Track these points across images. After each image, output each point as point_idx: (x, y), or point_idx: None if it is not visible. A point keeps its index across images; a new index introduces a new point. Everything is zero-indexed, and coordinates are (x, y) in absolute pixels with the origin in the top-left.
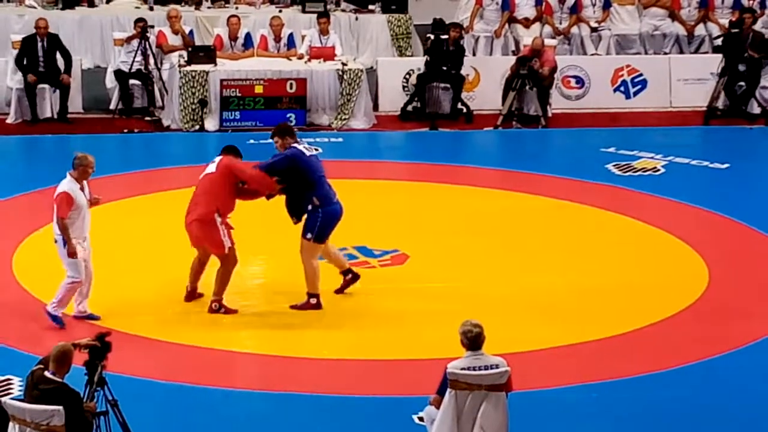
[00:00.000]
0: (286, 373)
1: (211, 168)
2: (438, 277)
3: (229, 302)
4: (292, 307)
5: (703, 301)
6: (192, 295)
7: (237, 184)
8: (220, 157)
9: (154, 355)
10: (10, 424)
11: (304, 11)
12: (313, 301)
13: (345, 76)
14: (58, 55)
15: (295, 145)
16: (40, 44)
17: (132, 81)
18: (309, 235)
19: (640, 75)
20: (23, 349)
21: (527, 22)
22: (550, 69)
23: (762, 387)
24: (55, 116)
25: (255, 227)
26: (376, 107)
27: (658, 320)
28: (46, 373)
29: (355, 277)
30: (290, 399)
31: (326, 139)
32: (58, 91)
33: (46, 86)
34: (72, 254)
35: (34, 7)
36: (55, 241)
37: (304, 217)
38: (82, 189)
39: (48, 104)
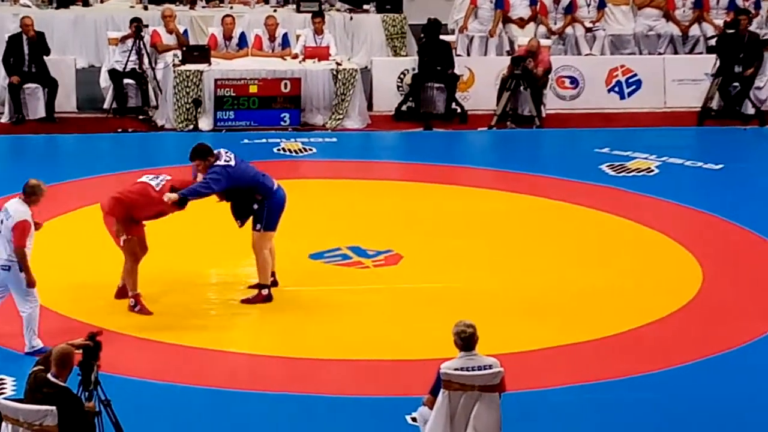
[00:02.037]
0: (278, 374)
1: (154, 183)
2: (431, 277)
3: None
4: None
5: (696, 301)
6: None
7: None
8: (167, 180)
9: (146, 354)
10: (3, 423)
11: (298, 11)
12: (264, 292)
13: (339, 76)
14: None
15: (217, 162)
16: (26, 43)
17: (126, 80)
18: (258, 226)
19: (635, 75)
20: (15, 348)
21: (522, 23)
22: (544, 69)
23: (756, 387)
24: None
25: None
26: (370, 107)
27: (651, 320)
28: (49, 376)
29: (275, 283)
30: (282, 399)
31: (320, 139)
32: (46, 90)
33: (38, 86)
34: (32, 284)
35: (29, 6)
36: (6, 268)
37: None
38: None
39: (40, 103)
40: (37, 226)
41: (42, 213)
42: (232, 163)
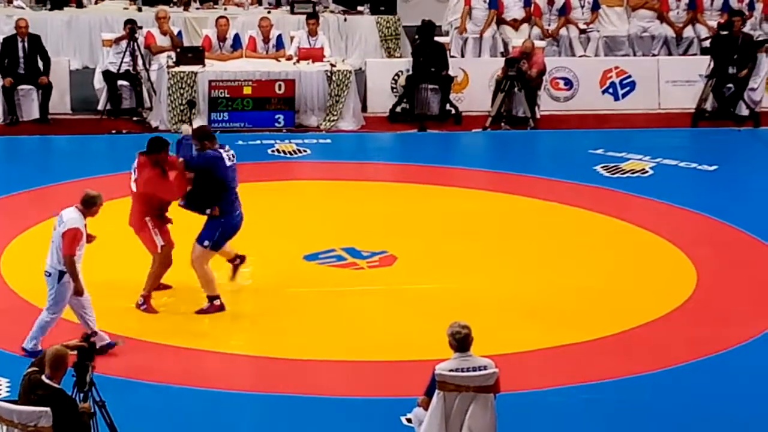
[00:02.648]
0: (273, 375)
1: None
2: (426, 278)
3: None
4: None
5: (691, 302)
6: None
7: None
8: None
9: (141, 355)
10: None
11: (292, 12)
12: (217, 303)
13: (333, 78)
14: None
15: (220, 150)
16: (21, 45)
17: (120, 82)
18: (206, 243)
19: (629, 77)
20: (10, 350)
21: (516, 24)
22: (538, 71)
23: (750, 388)
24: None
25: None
26: (364, 108)
27: (646, 322)
28: (43, 378)
29: (242, 258)
30: (278, 400)
31: (315, 141)
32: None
33: (32, 88)
34: (81, 292)
35: (23, 8)
36: (48, 274)
37: (204, 220)
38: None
39: (34, 105)
40: (90, 238)
41: (36, 215)
42: (227, 162)
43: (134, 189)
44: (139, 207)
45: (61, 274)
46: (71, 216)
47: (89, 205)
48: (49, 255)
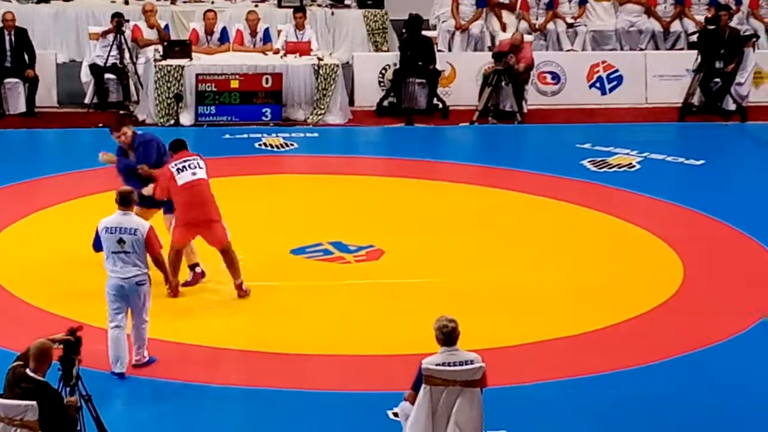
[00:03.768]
0: (259, 369)
1: (202, 174)
2: (413, 272)
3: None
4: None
5: (678, 297)
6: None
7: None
8: (201, 161)
9: (129, 349)
10: None
11: (280, 6)
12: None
13: (321, 71)
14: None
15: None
16: (7, 38)
17: (107, 75)
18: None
19: (616, 71)
20: None
21: (503, 24)
22: (526, 65)
23: (736, 382)
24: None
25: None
26: (351, 102)
27: (633, 316)
28: (28, 371)
29: (203, 273)
30: (265, 394)
31: (302, 134)
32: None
33: (18, 81)
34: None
35: (9, 1)
36: (143, 283)
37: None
38: None
39: (21, 98)
40: None
41: (22, 208)
42: (174, 170)
43: (204, 178)
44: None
45: (149, 277)
46: (136, 220)
47: (131, 203)
48: (124, 269)
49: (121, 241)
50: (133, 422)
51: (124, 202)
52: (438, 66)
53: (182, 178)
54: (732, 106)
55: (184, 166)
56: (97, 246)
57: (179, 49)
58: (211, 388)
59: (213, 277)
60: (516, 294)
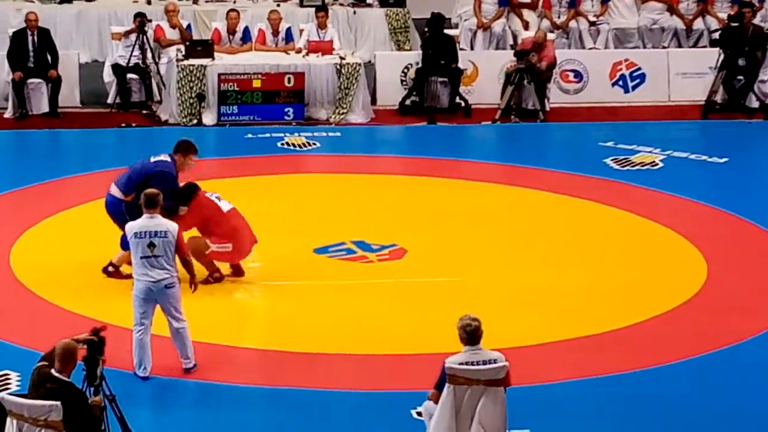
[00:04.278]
0: (283, 368)
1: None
2: (436, 271)
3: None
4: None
5: (701, 295)
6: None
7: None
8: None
9: (152, 349)
10: (8, 419)
11: (302, 5)
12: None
13: (343, 70)
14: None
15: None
16: (30, 38)
17: (130, 75)
18: None
19: (639, 69)
20: (20, 344)
21: (525, 23)
22: (548, 64)
23: (761, 382)
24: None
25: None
26: (374, 101)
27: (656, 315)
28: (53, 372)
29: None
30: (288, 394)
31: (324, 134)
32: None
33: (41, 81)
34: (197, 285)
35: (32, 1)
36: (172, 285)
37: None
38: None
39: (44, 99)
40: None
41: (45, 208)
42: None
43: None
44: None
45: (177, 279)
46: (166, 223)
47: (157, 204)
48: (154, 273)
49: (151, 245)
50: (156, 422)
51: (151, 204)
52: (460, 65)
53: (224, 206)
54: (755, 104)
55: (216, 195)
56: (125, 245)
57: (201, 48)
58: (234, 387)
59: (235, 277)
60: (539, 292)
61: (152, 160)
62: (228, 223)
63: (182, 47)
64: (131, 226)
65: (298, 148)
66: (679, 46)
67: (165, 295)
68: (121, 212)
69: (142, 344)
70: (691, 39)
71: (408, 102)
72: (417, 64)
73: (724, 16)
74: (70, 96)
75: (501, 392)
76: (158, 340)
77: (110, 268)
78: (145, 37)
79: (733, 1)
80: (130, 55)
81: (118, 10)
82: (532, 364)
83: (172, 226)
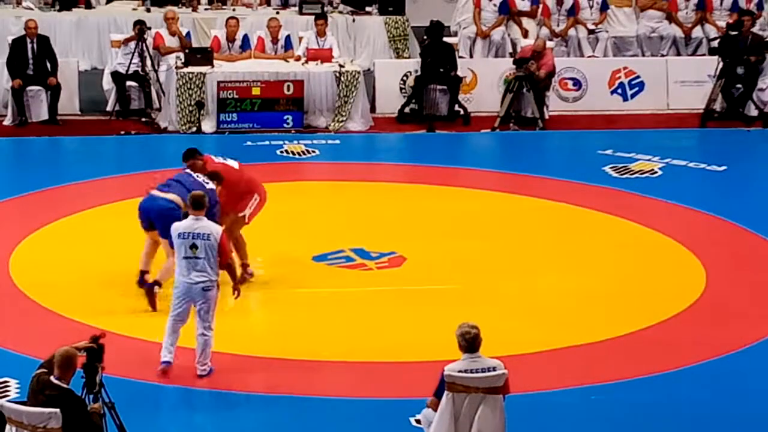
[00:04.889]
0: (282, 375)
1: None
2: (435, 279)
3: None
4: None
5: (700, 303)
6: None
7: None
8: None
9: (150, 356)
10: (7, 426)
11: (301, 13)
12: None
13: (342, 78)
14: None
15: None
16: (30, 46)
17: (129, 83)
18: None
19: (638, 77)
20: (20, 351)
21: (524, 31)
22: (547, 72)
23: (760, 388)
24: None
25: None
26: (373, 109)
27: (655, 323)
28: (52, 379)
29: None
30: (288, 401)
31: (323, 141)
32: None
33: (41, 89)
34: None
35: (31, 9)
36: (209, 288)
37: None
38: None
39: (43, 106)
40: None
41: (44, 216)
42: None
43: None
44: None
45: (218, 283)
46: (210, 225)
47: (203, 205)
48: (194, 274)
49: (194, 247)
50: (155, 429)
51: (197, 206)
52: (459, 72)
53: (233, 163)
54: (754, 112)
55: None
56: (172, 244)
57: (201, 56)
58: (233, 395)
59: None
60: (538, 300)
61: (207, 185)
62: (243, 177)
63: (181, 55)
64: (176, 227)
65: (297, 156)
66: (678, 54)
67: (201, 296)
68: (178, 219)
69: (173, 331)
70: (690, 47)
71: (407, 110)
72: (416, 71)
73: (722, 24)
74: (69, 103)
75: (500, 400)
76: (158, 348)
77: (150, 284)
78: (144, 45)
79: (732, 10)
80: (130, 63)
81: (118, 18)
82: (531, 372)
83: (215, 229)
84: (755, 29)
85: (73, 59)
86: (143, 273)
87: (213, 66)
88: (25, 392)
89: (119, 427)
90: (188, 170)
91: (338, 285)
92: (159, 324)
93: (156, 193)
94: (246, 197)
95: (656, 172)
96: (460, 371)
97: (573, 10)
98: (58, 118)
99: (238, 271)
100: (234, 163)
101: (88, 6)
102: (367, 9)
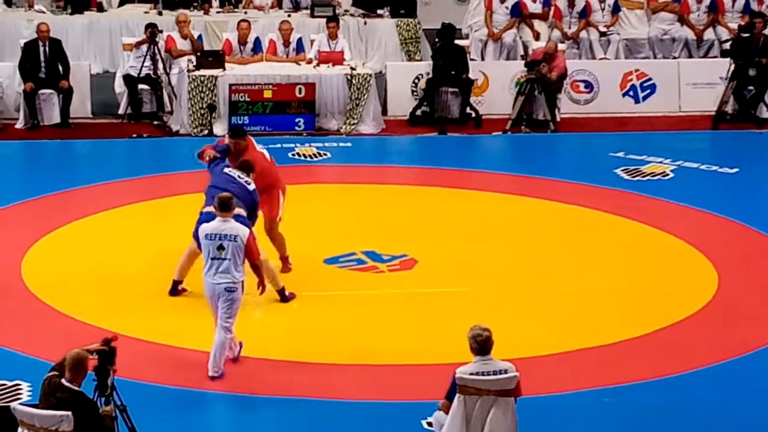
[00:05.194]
0: (294, 378)
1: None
2: (446, 281)
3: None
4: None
5: (712, 305)
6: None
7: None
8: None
9: (163, 359)
10: (19, 429)
11: (313, 16)
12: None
13: (354, 81)
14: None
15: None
16: (42, 49)
17: (141, 86)
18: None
19: (649, 79)
20: (32, 354)
21: (536, 33)
22: (559, 74)
23: None
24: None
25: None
26: (384, 112)
27: (667, 324)
28: (63, 381)
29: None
30: (299, 404)
31: (335, 144)
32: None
33: (53, 92)
34: (265, 289)
35: (43, 12)
36: (233, 290)
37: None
38: None
39: (55, 109)
40: None
41: (57, 219)
42: (226, 169)
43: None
44: None
45: (242, 285)
46: (237, 226)
47: (230, 207)
48: (218, 275)
49: (221, 248)
50: None
51: (224, 207)
52: (471, 75)
53: (266, 154)
54: (766, 114)
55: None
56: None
57: (212, 59)
58: (244, 397)
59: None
60: (550, 303)
61: (249, 187)
62: (271, 169)
63: (193, 58)
64: (204, 228)
65: (308, 159)
66: (690, 56)
67: (224, 296)
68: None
69: (221, 346)
70: (702, 49)
71: (419, 112)
72: (428, 74)
73: (734, 26)
74: (81, 107)
75: (511, 402)
76: (169, 351)
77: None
78: (156, 48)
79: (743, 12)
80: (142, 66)
81: (130, 21)
82: (542, 374)
83: (242, 230)
84: (767, 31)
85: (85, 62)
86: (177, 283)
87: (225, 69)
88: (37, 395)
89: (131, 429)
90: (227, 168)
91: (350, 288)
92: (170, 327)
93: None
94: (272, 193)
95: (668, 175)
96: (471, 374)
97: (584, 13)
98: (70, 121)
99: (279, 264)
100: (267, 153)
101: (100, 9)
102: (379, 12)
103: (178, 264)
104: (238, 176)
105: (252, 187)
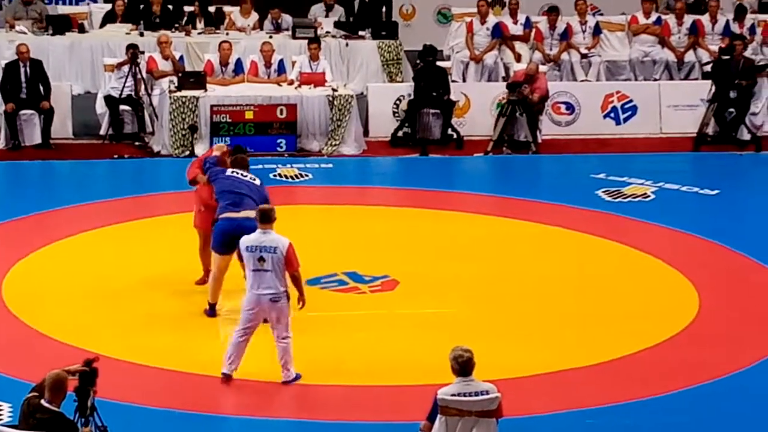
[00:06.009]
0: (273, 399)
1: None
2: (428, 302)
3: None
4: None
5: (693, 327)
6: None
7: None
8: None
9: (144, 380)
10: None
11: (294, 37)
12: (207, 308)
13: (335, 102)
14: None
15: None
16: (22, 70)
17: (122, 106)
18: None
19: (630, 101)
20: (12, 375)
21: (517, 55)
22: (540, 96)
23: (753, 412)
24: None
25: None
26: (366, 133)
27: (648, 346)
28: (43, 402)
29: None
30: (279, 425)
31: (316, 165)
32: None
33: (34, 112)
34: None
35: (25, 33)
36: (279, 299)
37: None
38: None
39: (36, 130)
40: None
41: (37, 240)
42: (228, 172)
43: None
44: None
45: (287, 294)
46: (278, 238)
47: (271, 219)
48: (261, 287)
49: (261, 260)
50: None
51: (265, 219)
52: (452, 96)
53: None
54: (747, 136)
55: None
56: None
57: (194, 80)
58: (221, 418)
59: (229, 306)
60: (531, 324)
61: (255, 182)
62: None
63: (175, 79)
64: (244, 240)
65: (290, 180)
66: (671, 78)
67: (272, 308)
68: None
69: (238, 345)
70: (683, 71)
71: (400, 133)
72: (409, 95)
73: (715, 48)
74: (62, 127)
75: (493, 423)
76: (152, 371)
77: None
78: (137, 69)
79: (724, 34)
80: (123, 87)
81: (111, 42)
82: (524, 395)
83: (282, 242)
84: (747, 53)
85: (66, 83)
86: (213, 305)
87: (206, 90)
88: (17, 416)
89: None
90: (229, 171)
91: (331, 309)
92: (152, 347)
93: (234, 215)
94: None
95: (649, 196)
96: (453, 395)
97: (566, 35)
98: (51, 142)
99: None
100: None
101: (82, 30)
102: (360, 33)
103: (209, 289)
104: (242, 175)
105: (258, 182)
